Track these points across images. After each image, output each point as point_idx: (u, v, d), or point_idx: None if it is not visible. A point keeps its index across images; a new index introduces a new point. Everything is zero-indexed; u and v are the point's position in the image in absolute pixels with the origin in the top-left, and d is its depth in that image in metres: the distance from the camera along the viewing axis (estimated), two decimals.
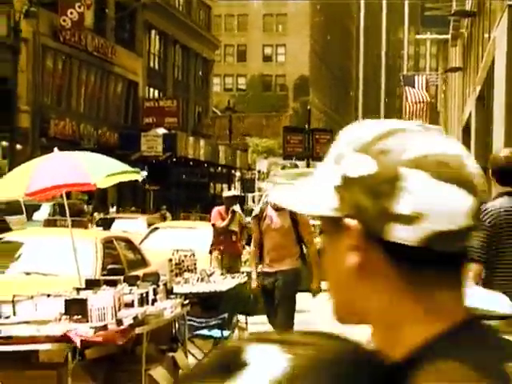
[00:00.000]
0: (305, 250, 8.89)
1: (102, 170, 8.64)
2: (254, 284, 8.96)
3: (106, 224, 20.84)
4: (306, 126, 19.64)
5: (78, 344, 5.86)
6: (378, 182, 1.10)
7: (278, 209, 8.56)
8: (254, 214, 9.13)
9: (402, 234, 1.10)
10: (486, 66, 11.92)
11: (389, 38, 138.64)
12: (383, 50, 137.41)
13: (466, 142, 19.15)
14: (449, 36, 35.65)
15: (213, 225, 12.90)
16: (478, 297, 2.82)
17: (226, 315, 8.90)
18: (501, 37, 10.67)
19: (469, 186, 1.11)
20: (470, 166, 1.12)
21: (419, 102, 42.05)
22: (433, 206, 1.09)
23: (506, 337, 1.14)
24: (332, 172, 1.15)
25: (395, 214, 1.09)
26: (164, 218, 29.41)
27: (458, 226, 1.10)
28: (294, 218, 8.52)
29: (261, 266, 8.85)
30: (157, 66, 51.46)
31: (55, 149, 9.00)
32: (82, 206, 27.85)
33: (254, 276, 8.95)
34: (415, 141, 1.12)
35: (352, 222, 1.13)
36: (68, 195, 32.60)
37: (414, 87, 43.76)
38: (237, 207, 12.96)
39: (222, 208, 12.98)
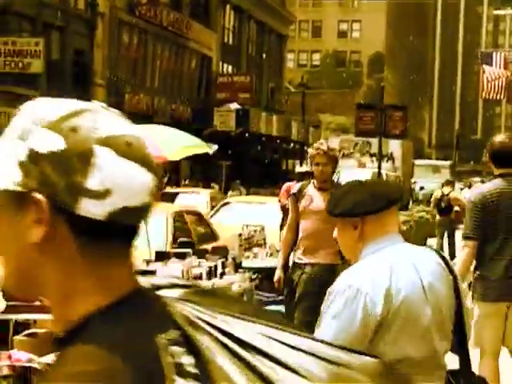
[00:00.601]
0: None
1: (173, 143, 8.71)
2: (276, 276, 7.35)
3: (169, 198, 20.77)
4: (379, 103, 19.41)
5: None
6: (68, 157, 1.14)
7: (321, 188, 7.09)
8: (292, 191, 7.47)
9: (91, 208, 1.15)
10: None
11: (467, 15, 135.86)
12: (461, 25, 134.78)
13: None
14: None
15: (279, 201, 12.90)
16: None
17: None
18: None
19: (148, 165, 1.20)
20: (147, 147, 1.22)
21: (497, 78, 41.16)
22: (120, 183, 1.16)
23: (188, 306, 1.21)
24: (16, 147, 1.18)
25: (85, 189, 1.15)
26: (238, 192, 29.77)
27: (141, 202, 1.20)
28: None
29: (293, 256, 7.18)
30: (231, 41, 51.50)
31: None
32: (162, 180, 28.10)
33: (279, 266, 7.38)
34: (103, 121, 1.18)
35: (38, 196, 1.16)
36: None
37: (491, 64, 42.85)
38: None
39: (292, 184, 12.95)
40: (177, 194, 20.05)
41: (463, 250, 5.91)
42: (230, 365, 1.15)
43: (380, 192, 3.02)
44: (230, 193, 30.00)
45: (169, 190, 20.13)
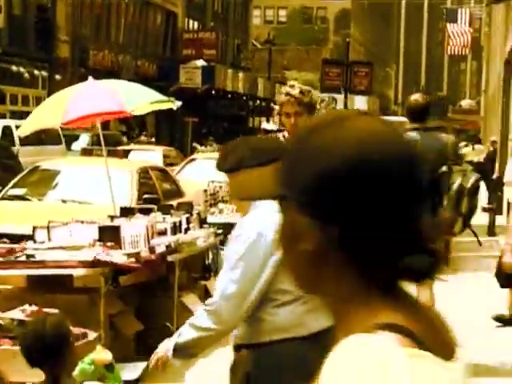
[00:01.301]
0: None
1: (137, 98, 8.64)
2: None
3: (124, 155, 20.37)
4: (345, 59, 19.39)
5: (116, 262, 5.94)
6: None
7: None
8: None
9: None
10: None
11: None
12: None
13: (507, 74, 18.82)
14: None
15: None
16: None
17: None
18: None
19: None
20: None
21: (462, 35, 41.23)
22: None
23: None
24: None
25: None
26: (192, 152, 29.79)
27: None
28: None
29: None
30: None
31: (90, 77, 9.00)
32: (120, 137, 27.95)
33: None
34: None
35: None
36: (107, 126, 32.68)
37: (456, 21, 42.87)
38: None
39: None
40: (130, 150, 19.93)
41: None
42: None
43: (263, 147, 3.29)
44: (203, 148, 30.05)
45: (123, 147, 19.85)
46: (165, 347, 3.34)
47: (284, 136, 5.37)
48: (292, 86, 5.29)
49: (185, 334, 3.27)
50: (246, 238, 3.21)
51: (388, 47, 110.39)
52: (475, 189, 6.36)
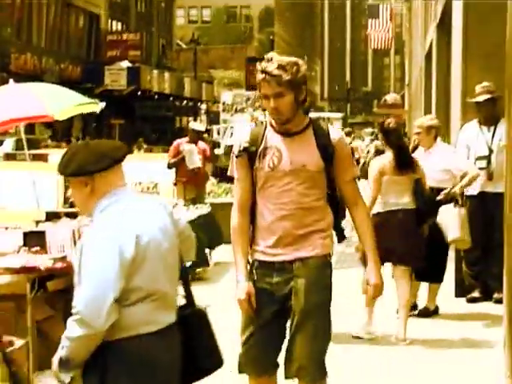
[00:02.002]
0: (345, 218, 4.49)
1: (59, 102, 8.53)
2: (241, 293, 4.24)
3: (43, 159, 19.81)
4: None
5: (41, 269, 5.87)
6: None
7: (287, 132, 4.22)
8: (238, 146, 4.30)
9: None
10: None
11: None
12: None
13: (427, 68, 19.16)
14: None
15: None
16: None
17: None
18: None
19: None
20: None
21: (384, 30, 41.83)
22: None
23: None
24: None
25: None
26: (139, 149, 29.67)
27: None
28: (326, 147, 4.19)
29: (255, 252, 4.33)
30: None
31: (11, 80, 8.86)
32: (46, 141, 27.56)
33: (241, 274, 4.25)
34: None
35: None
36: (32, 130, 32.03)
37: (378, 17, 43.49)
38: (187, 150, 12.57)
39: (182, 140, 12.84)
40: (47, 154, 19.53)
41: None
42: None
43: (105, 151, 3.39)
44: (135, 151, 29.92)
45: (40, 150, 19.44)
46: (54, 360, 3.40)
47: (268, 122, 4.26)
48: (269, 60, 4.10)
49: (64, 347, 3.31)
50: (97, 240, 3.28)
51: (313, 44, 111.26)
52: None
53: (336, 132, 4.30)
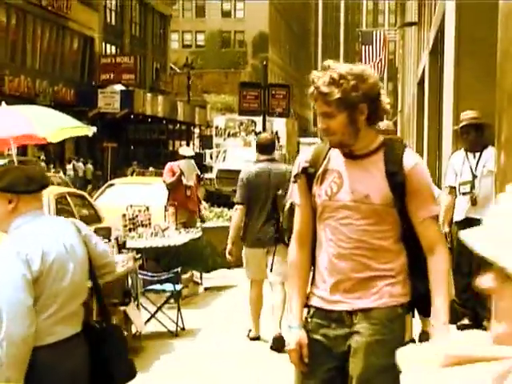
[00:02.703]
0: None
1: (51, 124, 8.55)
2: (291, 342, 3.55)
3: None
4: (262, 82, 19.58)
5: None
6: None
7: (354, 154, 3.44)
8: (297, 166, 3.59)
9: None
10: (437, 19, 11.99)
11: None
12: (342, 4, 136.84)
13: (420, 95, 19.26)
14: None
15: (164, 181, 12.88)
16: None
17: (178, 269, 8.91)
18: None
19: None
20: None
21: (377, 57, 42.06)
22: None
23: None
24: None
25: None
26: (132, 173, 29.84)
27: None
28: (395, 175, 3.37)
29: (312, 296, 3.57)
30: (113, 22, 50.75)
31: (3, 103, 8.87)
32: (38, 163, 27.56)
33: (294, 320, 3.55)
34: None
35: None
36: (24, 152, 31.95)
37: (371, 44, 43.73)
38: (183, 163, 12.84)
39: (175, 164, 12.93)
40: None
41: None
42: None
43: (35, 176, 3.70)
44: (129, 173, 30.15)
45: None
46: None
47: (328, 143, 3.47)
48: (325, 69, 3.31)
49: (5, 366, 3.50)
50: (7, 254, 3.55)
51: (307, 69, 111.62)
52: None
53: (411, 157, 3.38)
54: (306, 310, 3.55)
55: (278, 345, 7.61)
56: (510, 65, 2.71)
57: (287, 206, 7.05)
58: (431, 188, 3.42)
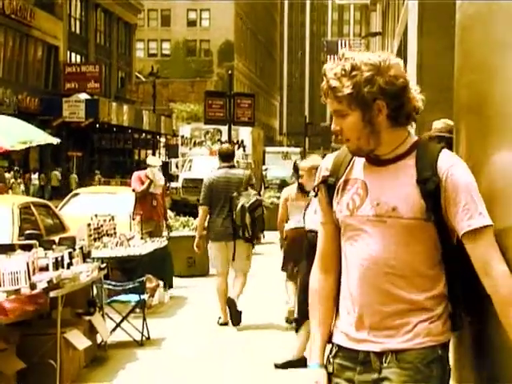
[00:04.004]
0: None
1: (14, 134, 8.51)
2: (307, 382, 2.90)
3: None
4: (228, 91, 19.64)
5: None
6: None
7: (381, 159, 2.80)
8: (318, 176, 2.98)
9: None
10: (401, 30, 12.13)
11: (313, 4, 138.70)
12: (307, 14, 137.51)
13: None
14: (368, 1, 35.93)
15: (133, 190, 12.86)
16: None
17: (143, 279, 8.91)
18: (413, 2, 10.88)
19: None
20: None
21: None
22: None
23: None
24: None
25: None
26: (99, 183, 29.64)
27: None
28: (427, 181, 2.69)
29: (336, 331, 2.91)
30: (78, 31, 50.56)
31: None
32: (2, 172, 27.35)
33: (314, 357, 2.94)
34: None
35: None
36: None
37: (337, 53, 43.98)
38: (150, 171, 12.84)
39: (142, 172, 12.92)
40: None
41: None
42: None
43: None
44: (97, 182, 29.92)
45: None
46: None
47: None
48: (343, 59, 2.72)
49: None
50: None
51: (272, 79, 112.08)
52: (255, 206, 9.24)
53: (447, 158, 2.70)
54: (329, 347, 2.93)
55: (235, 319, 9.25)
56: (466, 78, 2.78)
57: (239, 206, 9.08)
58: (476, 194, 2.63)
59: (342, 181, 2.84)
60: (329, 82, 2.71)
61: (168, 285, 10.94)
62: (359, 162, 2.84)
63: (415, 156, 2.73)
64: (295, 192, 8.79)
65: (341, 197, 2.84)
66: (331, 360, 2.88)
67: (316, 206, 3.07)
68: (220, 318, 9.44)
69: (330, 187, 2.87)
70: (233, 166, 9.71)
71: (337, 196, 2.85)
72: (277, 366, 7.37)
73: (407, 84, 2.70)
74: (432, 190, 2.65)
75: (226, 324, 9.34)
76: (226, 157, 9.66)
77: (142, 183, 12.63)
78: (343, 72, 2.67)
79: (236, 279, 9.45)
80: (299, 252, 7.53)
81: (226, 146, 10.61)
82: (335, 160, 2.91)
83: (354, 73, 2.66)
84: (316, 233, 3.01)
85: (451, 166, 2.66)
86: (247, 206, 9.20)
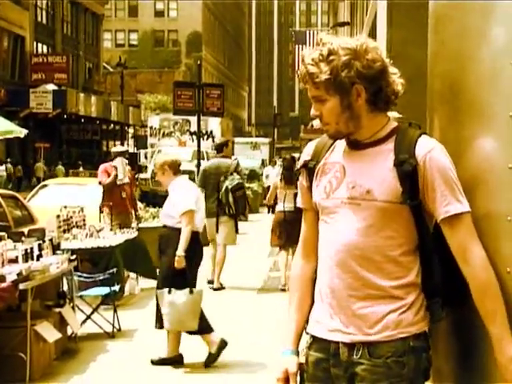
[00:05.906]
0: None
1: None
2: (278, 370, 2.80)
3: None
4: (197, 81, 19.57)
5: None
6: None
7: (360, 143, 2.76)
8: (302, 160, 2.94)
9: None
10: (369, 20, 12.16)
11: None
12: (275, 5, 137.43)
13: None
14: None
15: (99, 183, 12.75)
16: None
17: (114, 270, 8.86)
18: None
19: None
20: None
21: None
22: None
23: None
24: None
25: None
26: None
27: None
28: (404, 164, 2.65)
29: (311, 320, 2.85)
30: (44, 21, 50.07)
31: None
32: None
33: (286, 344, 2.86)
34: None
35: None
36: None
37: (305, 43, 44.02)
38: (116, 162, 12.72)
39: (108, 164, 12.82)
40: None
41: None
42: None
43: None
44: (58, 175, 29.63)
45: None
46: None
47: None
48: (321, 43, 2.70)
49: None
50: None
51: (241, 69, 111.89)
52: (237, 188, 11.11)
53: (426, 143, 2.66)
54: (308, 337, 2.83)
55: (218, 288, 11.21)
56: (440, 67, 2.78)
57: (223, 187, 11.09)
58: (454, 179, 2.59)
59: (321, 164, 2.81)
60: (307, 67, 2.67)
61: (152, 277, 10.59)
62: (340, 146, 2.80)
63: (394, 140, 2.69)
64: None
65: (319, 180, 2.80)
66: (307, 350, 2.80)
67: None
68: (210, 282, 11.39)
69: (310, 171, 2.84)
70: (224, 156, 11.78)
71: (316, 179, 2.81)
72: (153, 363, 7.35)
73: (385, 67, 2.68)
74: (409, 172, 2.60)
75: (219, 289, 11.26)
76: (219, 148, 12.00)
77: (109, 175, 12.55)
78: (321, 57, 2.65)
79: (218, 248, 11.52)
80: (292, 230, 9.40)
81: (221, 140, 13.20)
82: (317, 145, 2.88)
83: (331, 57, 2.63)
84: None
85: (430, 150, 2.62)
86: (230, 187, 11.10)
